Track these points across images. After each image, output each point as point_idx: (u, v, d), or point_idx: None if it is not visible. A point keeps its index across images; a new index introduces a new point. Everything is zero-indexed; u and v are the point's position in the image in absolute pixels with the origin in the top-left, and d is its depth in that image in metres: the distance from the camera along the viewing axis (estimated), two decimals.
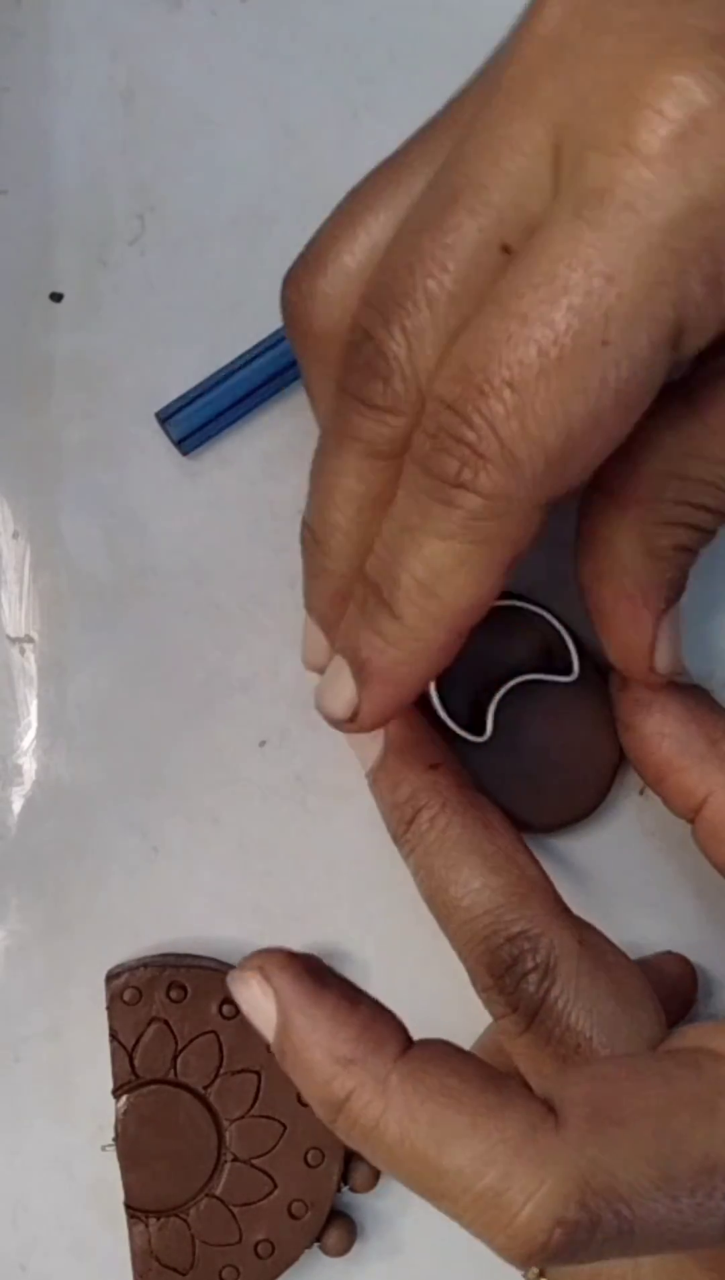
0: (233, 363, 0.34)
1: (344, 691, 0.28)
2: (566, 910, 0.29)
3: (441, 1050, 0.25)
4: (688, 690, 0.32)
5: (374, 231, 0.27)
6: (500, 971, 0.28)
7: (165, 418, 0.34)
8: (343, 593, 0.28)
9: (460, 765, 0.32)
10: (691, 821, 0.31)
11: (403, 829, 0.31)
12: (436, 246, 0.24)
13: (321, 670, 0.29)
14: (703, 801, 0.31)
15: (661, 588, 0.29)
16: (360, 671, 0.27)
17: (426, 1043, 0.25)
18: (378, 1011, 0.25)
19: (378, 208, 0.27)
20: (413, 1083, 0.24)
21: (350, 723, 0.28)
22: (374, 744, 0.32)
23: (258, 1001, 0.25)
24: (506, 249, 0.24)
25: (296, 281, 0.28)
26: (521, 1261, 0.23)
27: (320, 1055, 0.24)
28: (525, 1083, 0.25)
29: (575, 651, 0.34)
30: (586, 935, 0.29)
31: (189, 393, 0.34)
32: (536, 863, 0.30)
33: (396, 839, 0.31)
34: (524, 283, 0.23)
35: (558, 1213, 0.23)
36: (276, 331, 0.34)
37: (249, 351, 0.34)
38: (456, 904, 0.29)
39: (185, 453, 0.35)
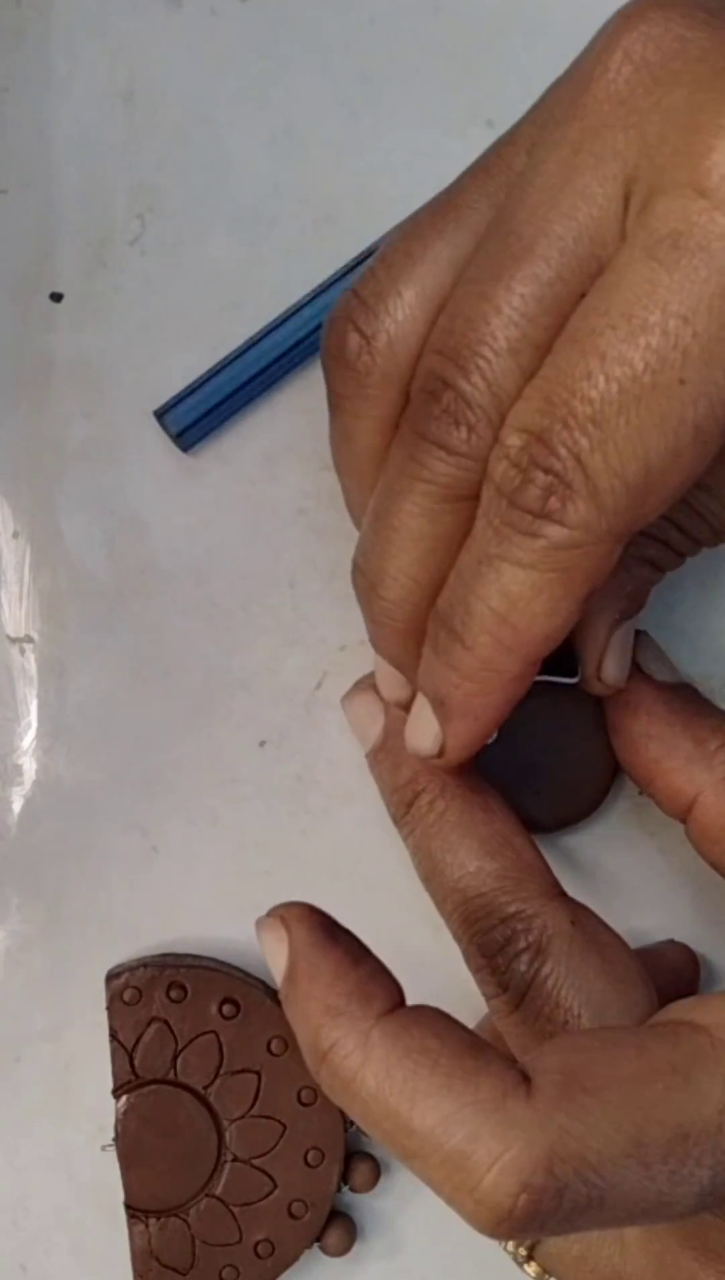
0: (228, 354, 0.34)
1: (429, 728, 0.28)
2: (561, 892, 0.29)
3: (427, 1014, 0.25)
4: (674, 690, 0.32)
5: (436, 271, 0.27)
6: (492, 951, 0.29)
7: (162, 413, 0.34)
8: (411, 631, 0.28)
9: None
10: (684, 822, 0.31)
11: (402, 811, 0.31)
12: (512, 295, 0.25)
13: (406, 706, 0.30)
14: (692, 801, 0.31)
15: (618, 598, 0.30)
16: (440, 708, 0.28)
17: (417, 1007, 0.25)
18: (376, 971, 0.26)
19: (438, 246, 0.27)
20: (393, 1040, 0.24)
21: (439, 757, 0.29)
22: (374, 726, 0.32)
23: (273, 947, 0.26)
24: (581, 295, 0.25)
25: (355, 320, 0.28)
26: (490, 1228, 0.24)
27: (314, 1004, 0.25)
28: (507, 1054, 0.25)
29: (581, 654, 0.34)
30: (580, 916, 0.29)
31: (185, 388, 0.34)
32: (534, 846, 0.30)
33: (396, 820, 0.31)
34: (602, 322, 0.24)
35: (524, 1178, 0.23)
36: (272, 321, 0.34)
37: (244, 342, 0.34)
38: (453, 886, 0.30)
39: (185, 448, 0.35)
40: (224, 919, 0.35)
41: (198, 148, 0.36)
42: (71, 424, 0.35)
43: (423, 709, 0.28)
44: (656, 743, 0.31)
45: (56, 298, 0.35)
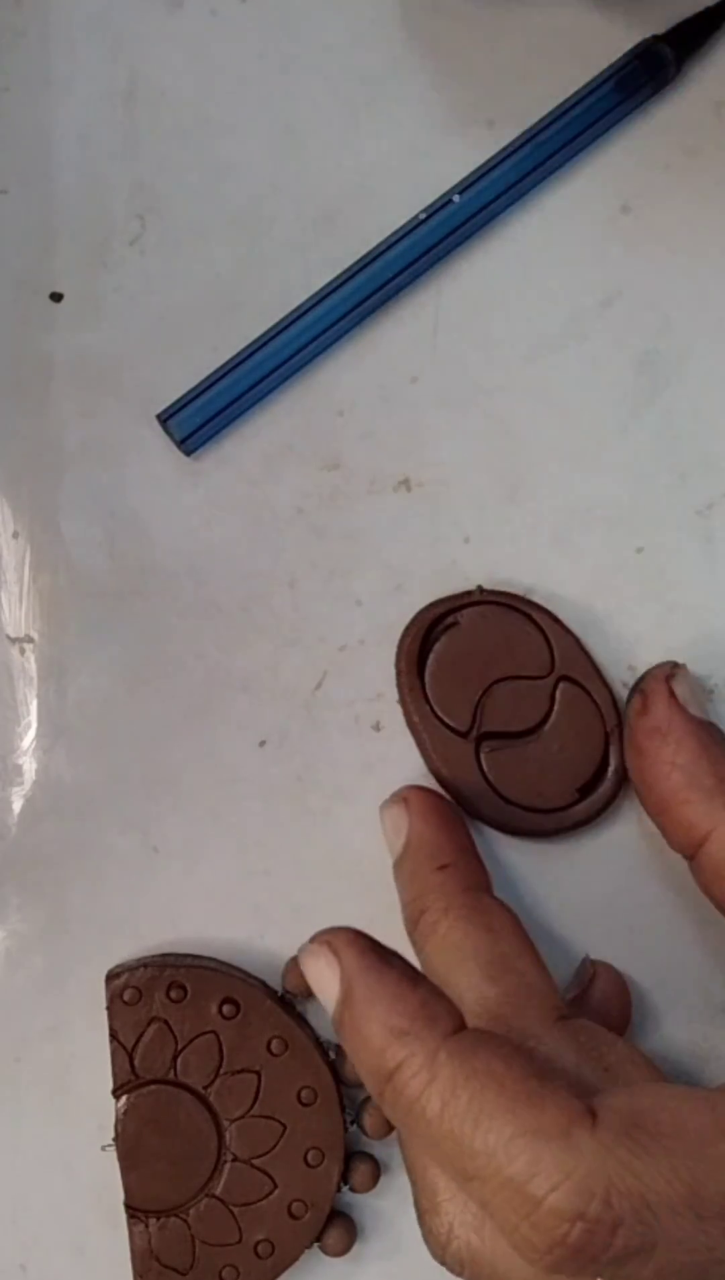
0: (231, 359, 0.34)
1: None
2: (564, 1015, 0.29)
3: (492, 1038, 0.25)
4: (704, 725, 0.32)
5: None
6: None
7: (166, 418, 0.34)
8: None
9: (476, 863, 0.32)
10: (690, 857, 0.31)
11: (410, 926, 0.31)
12: None
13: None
14: (705, 837, 0.30)
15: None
16: None
17: (481, 1031, 0.25)
18: (435, 992, 0.26)
19: None
20: (460, 1060, 0.24)
21: None
22: (398, 838, 0.32)
23: (323, 974, 0.26)
24: None
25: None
26: (541, 1255, 0.24)
27: (377, 1026, 0.25)
28: (569, 1084, 0.25)
29: (586, 654, 0.34)
30: (581, 1035, 0.28)
31: (187, 393, 0.34)
32: (539, 965, 0.30)
33: (408, 933, 0.31)
34: None
35: (581, 1206, 0.23)
36: (275, 325, 0.34)
37: (247, 346, 0.34)
38: (457, 1004, 0.29)
39: (188, 453, 0.35)
40: (224, 919, 0.35)
41: (198, 148, 0.36)
42: (71, 424, 0.35)
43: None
44: (680, 773, 0.31)
45: (56, 298, 0.35)
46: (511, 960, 0.29)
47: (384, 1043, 0.25)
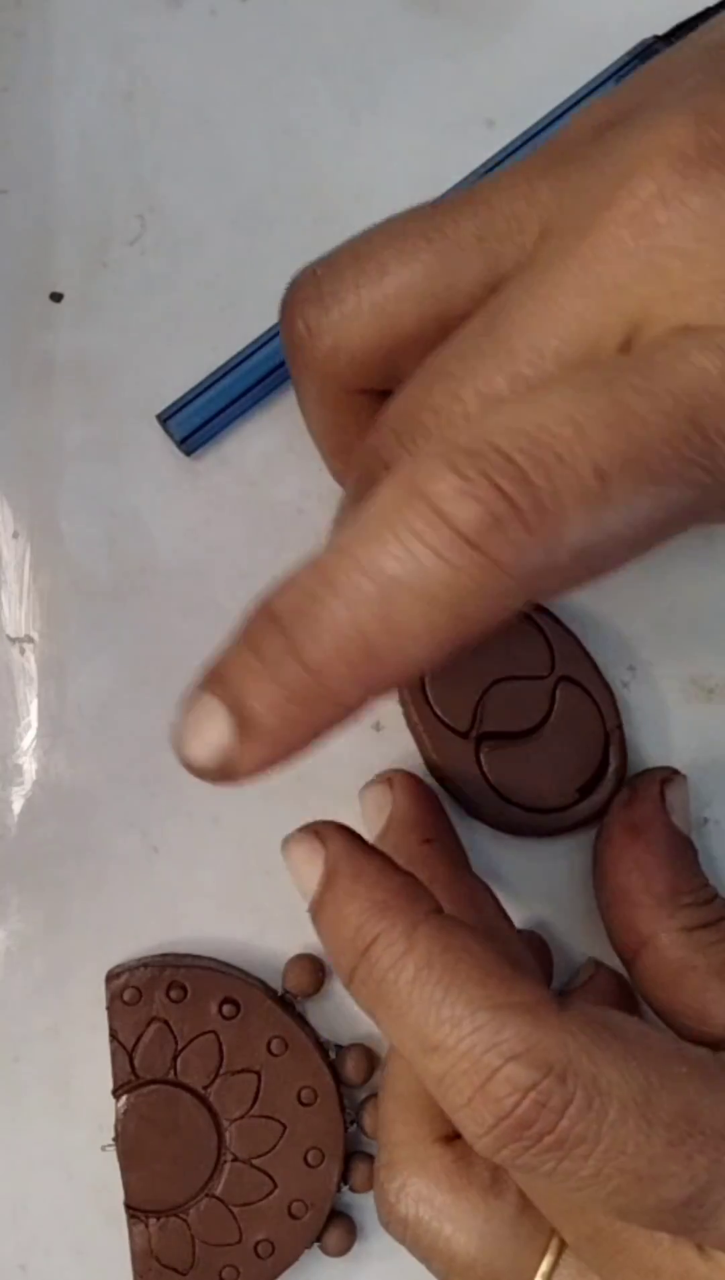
0: (231, 359, 0.34)
1: (213, 738, 0.23)
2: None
3: (469, 928, 0.25)
4: (680, 837, 0.32)
5: (400, 296, 0.26)
6: None
7: (166, 418, 0.34)
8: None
9: (457, 843, 0.32)
10: (627, 961, 0.31)
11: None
12: (477, 398, 0.24)
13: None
14: (644, 943, 0.30)
15: None
16: (243, 725, 0.23)
17: (459, 918, 0.26)
18: (416, 880, 0.26)
19: (413, 269, 0.26)
20: (438, 934, 0.25)
21: (213, 776, 0.23)
22: (380, 816, 0.33)
23: (307, 859, 0.26)
24: None
25: (306, 312, 0.27)
26: (485, 1129, 0.24)
27: (359, 902, 0.25)
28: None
29: (586, 654, 0.34)
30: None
31: (187, 393, 0.34)
32: (520, 943, 0.30)
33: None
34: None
35: (535, 1077, 0.23)
36: (274, 326, 0.34)
37: (247, 347, 0.34)
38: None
39: (188, 453, 0.35)
40: (224, 919, 0.35)
41: (198, 148, 0.36)
42: (71, 424, 0.35)
43: (212, 715, 0.23)
44: (640, 875, 0.31)
45: (56, 298, 0.35)
46: (495, 934, 0.30)
47: (364, 918, 0.25)
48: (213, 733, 0.23)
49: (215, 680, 0.23)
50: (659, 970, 0.30)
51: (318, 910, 0.26)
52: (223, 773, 0.23)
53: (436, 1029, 0.24)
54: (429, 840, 0.32)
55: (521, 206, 0.26)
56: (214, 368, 0.35)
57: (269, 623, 0.22)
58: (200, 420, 0.34)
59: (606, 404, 0.22)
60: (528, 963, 0.29)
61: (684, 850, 0.31)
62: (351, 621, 0.21)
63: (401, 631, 0.21)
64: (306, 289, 0.28)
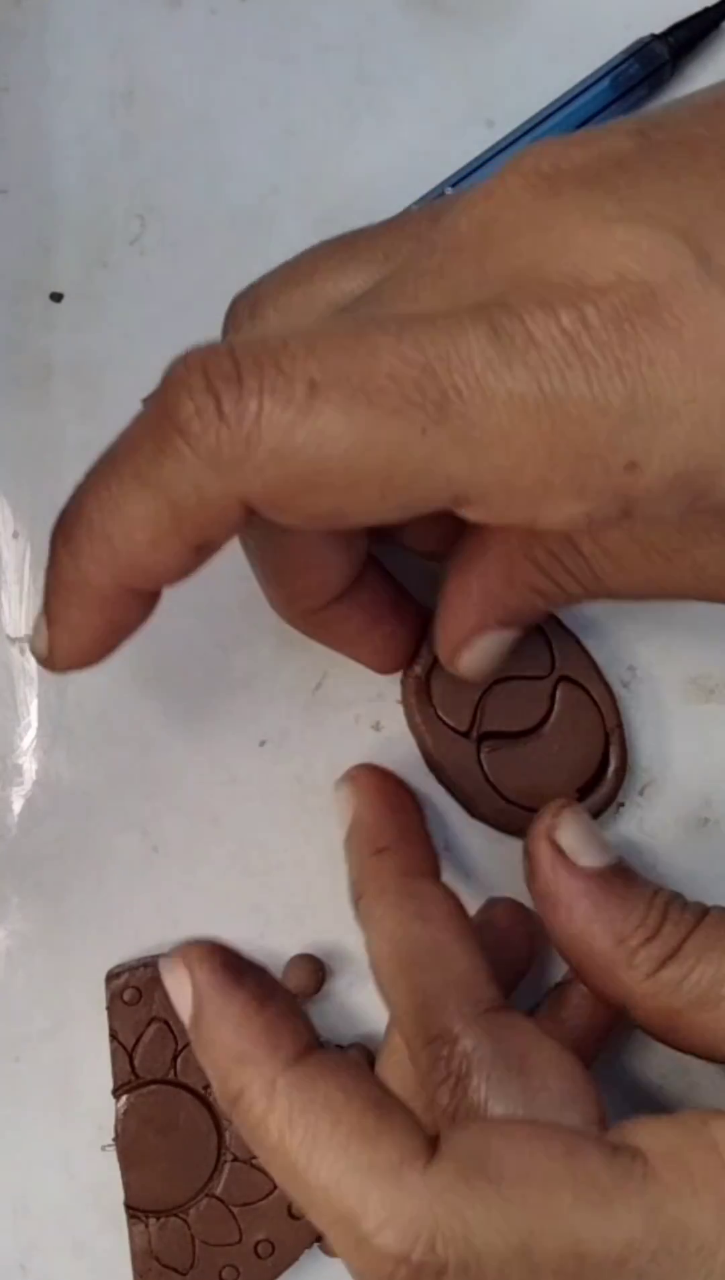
0: None
1: (41, 627, 0.27)
2: (493, 1008, 0.28)
3: (337, 1064, 0.24)
4: (598, 879, 0.29)
5: (327, 288, 0.28)
6: (423, 1071, 0.28)
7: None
8: None
9: (418, 847, 0.32)
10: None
11: (354, 906, 0.31)
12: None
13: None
14: (624, 1007, 0.29)
15: (497, 605, 0.30)
16: (45, 606, 0.27)
17: (327, 1055, 0.24)
18: (285, 1012, 0.25)
19: (331, 271, 0.28)
20: (298, 1091, 0.24)
21: (48, 663, 0.27)
22: (344, 819, 0.33)
23: (178, 990, 0.25)
24: None
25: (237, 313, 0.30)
26: None
27: (221, 1051, 0.24)
28: (415, 1115, 0.24)
29: (587, 655, 0.34)
30: (507, 1034, 0.27)
31: None
32: (472, 954, 0.29)
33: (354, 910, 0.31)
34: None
35: (405, 1248, 0.22)
36: None
37: None
38: (387, 998, 0.30)
39: None
40: (224, 919, 0.35)
41: (198, 148, 0.36)
42: (71, 424, 0.35)
43: (40, 612, 0.27)
44: (579, 944, 0.29)
45: (56, 298, 0.35)
46: (442, 950, 0.29)
47: (227, 1068, 0.24)
48: (40, 622, 0.27)
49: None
50: (653, 1025, 0.28)
51: (195, 1046, 0.25)
52: (50, 661, 0.27)
53: (307, 1193, 0.23)
54: (381, 850, 0.31)
55: (422, 223, 0.27)
56: None
57: (57, 526, 0.26)
58: None
59: (351, 333, 0.23)
60: (400, 1096, 0.26)
61: (610, 888, 0.29)
62: (94, 519, 0.25)
63: (132, 542, 0.24)
64: (239, 300, 0.29)
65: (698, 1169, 0.23)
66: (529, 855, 0.30)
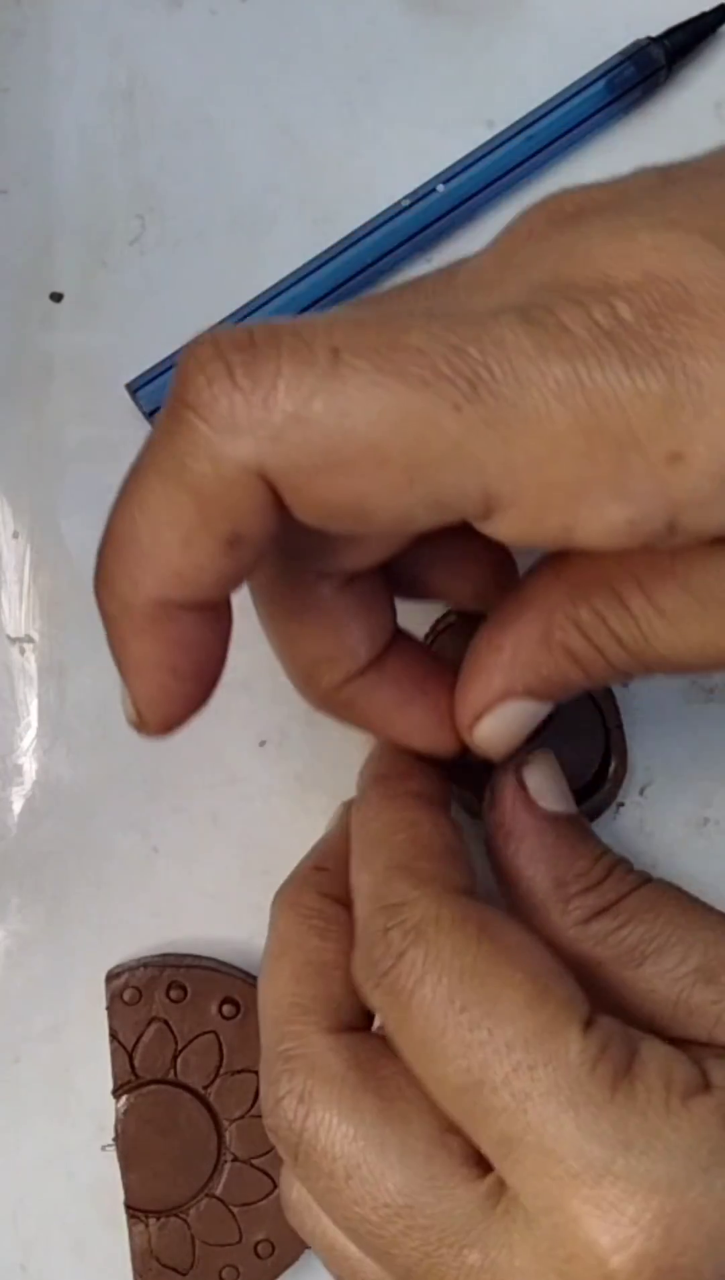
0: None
1: (124, 696, 0.25)
2: (453, 886, 0.27)
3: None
4: (554, 822, 0.29)
5: None
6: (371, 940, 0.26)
7: (136, 389, 0.34)
8: None
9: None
10: None
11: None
12: None
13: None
14: (553, 949, 0.27)
15: (526, 669, 0.27)
16: (116, 661, 0.25)
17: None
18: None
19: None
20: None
21: (144, 728, 0.25)
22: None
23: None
24: None
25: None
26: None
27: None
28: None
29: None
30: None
31: (161, 363, 0.34)
32: (441, 827, 0.28)
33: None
34: None
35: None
36: (246, 304, 0.34)
37: (221, 322, 0.34)
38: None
39: None
40: (224, 919, 0.35)
41: (198, 148, 0.36)
42: (71, 424, 0.35)
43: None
44: (520, 878, 0.28)
45: (56, 298, 0.35)
46: (418, 825, 0.29)
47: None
48: (123, 687, 0.25)
49: None
50: (579, 972, 0.27)
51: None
52: (142, 723, 0.25)
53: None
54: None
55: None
56: None
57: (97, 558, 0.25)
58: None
59: (375, 315, 0.22)
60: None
61: (563, 834, 0.29)
62: (107, 525, 0.24)
63: (155, 520, 0.23)
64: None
65: None
66: (493, 787, 0.29)
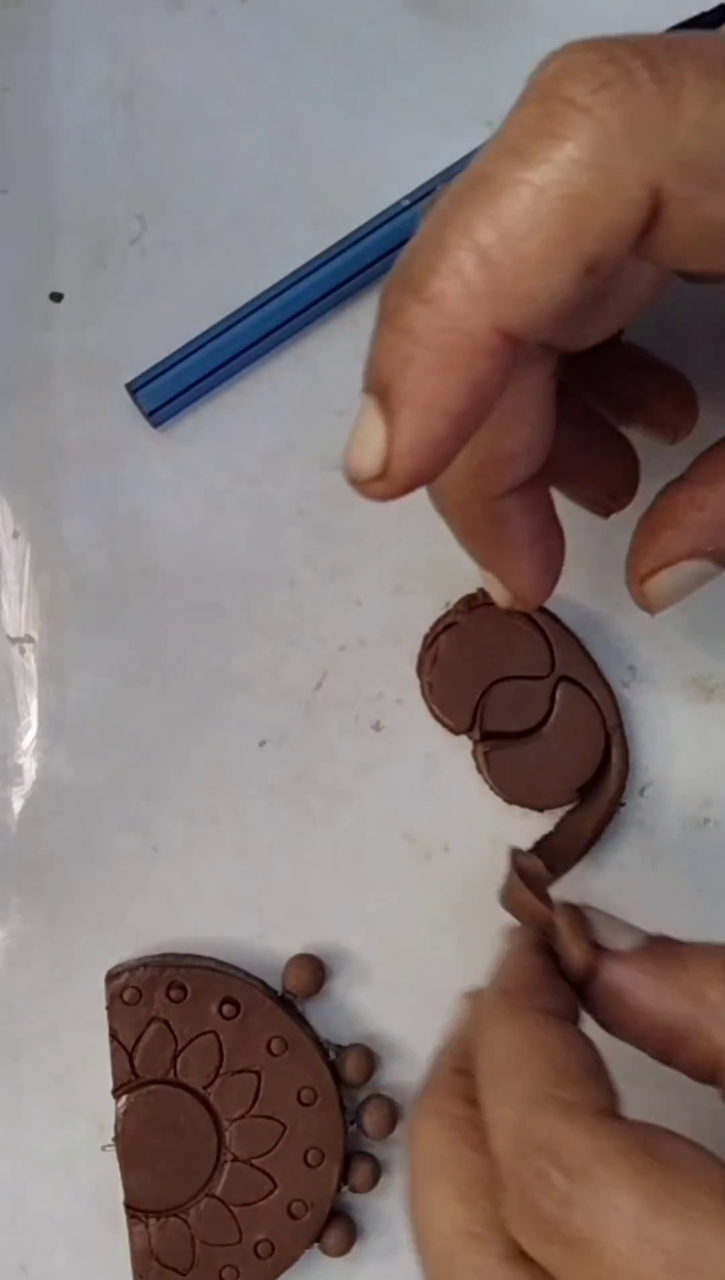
0: (206, 332, 0.34)
1: (371, 436, 0.21)
2: (602, 1110, 0.23)
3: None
4: (647, 955, 0.26)
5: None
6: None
7: (136, 389, 0.34)
8: None
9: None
10: (714, 1084, 0.26)
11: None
12: None
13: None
14: (717, 1061, 0.25)
15: (712, 526, 0.26)
16: (384, 398, 0.21)
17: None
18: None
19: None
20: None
21: (382, 482, 0.22)
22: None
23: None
24: None
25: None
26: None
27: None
28: None
29: (585, 655, 0.34)
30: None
31: (161, 363, 0.34)
32: (575, 1046, 0.24)
33: None
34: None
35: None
36: (247, 304, 0.34)
37: (222, 321, 0.34)
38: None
39: (156, 425, 0.35)
40: (224, 919, 0.35)
41: (198, 148, 0.36)
42: (71, 424, 0.35)
43: (364, 412, 0.22)
44: (659, 1018, 0.25)
45: (56, 298, 0.35)
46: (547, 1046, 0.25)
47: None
48: (370, 431, 0.21)
49: (368, 373, 0.22)
50: None
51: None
52: (385, 474, 0.22)
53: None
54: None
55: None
56: (213, 366, 0.35)
57: (394, 285, 0.21)
58: (170, 394, 0.34)
59: None
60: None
61: (660, 956, 0.26)
62: (463, 229, 0.20)
63: (520, 256, 0.20)
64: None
65: None
66: (565, 956, 0.26)
